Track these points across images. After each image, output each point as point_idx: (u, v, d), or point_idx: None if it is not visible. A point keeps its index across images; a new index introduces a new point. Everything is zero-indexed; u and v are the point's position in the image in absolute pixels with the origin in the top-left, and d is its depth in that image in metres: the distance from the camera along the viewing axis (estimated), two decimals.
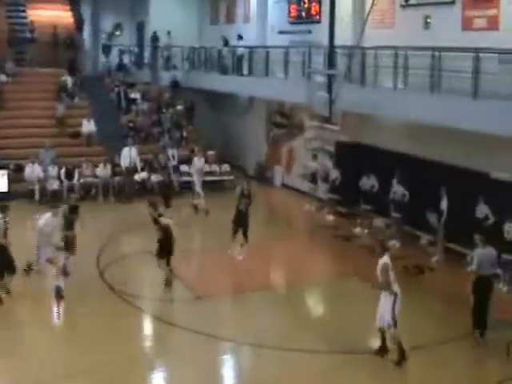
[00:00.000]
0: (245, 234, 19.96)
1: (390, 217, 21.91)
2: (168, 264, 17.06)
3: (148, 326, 15.70)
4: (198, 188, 25.49)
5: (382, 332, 13.60)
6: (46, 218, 16.27)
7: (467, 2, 20.40)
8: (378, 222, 23.28)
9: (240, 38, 30.99)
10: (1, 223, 15.67)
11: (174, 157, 28.78)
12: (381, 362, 13.45)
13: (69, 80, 31.65)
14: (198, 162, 26.21)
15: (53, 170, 26.53)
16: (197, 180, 25.70)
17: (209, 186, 27.18)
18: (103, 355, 13.33)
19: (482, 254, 14.70)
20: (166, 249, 17.01)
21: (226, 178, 29.52)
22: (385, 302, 13.39)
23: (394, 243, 21.05)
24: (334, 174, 24.10)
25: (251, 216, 19.94)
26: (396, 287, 13.35)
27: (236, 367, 13.86)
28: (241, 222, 19.95)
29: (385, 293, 13.39)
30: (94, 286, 16.97)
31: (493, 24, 19.43)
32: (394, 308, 13.28)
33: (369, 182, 22.46)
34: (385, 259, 13.48)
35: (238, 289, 17.34)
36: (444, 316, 16.16)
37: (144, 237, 19.54)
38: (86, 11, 37.65)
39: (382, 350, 13.69)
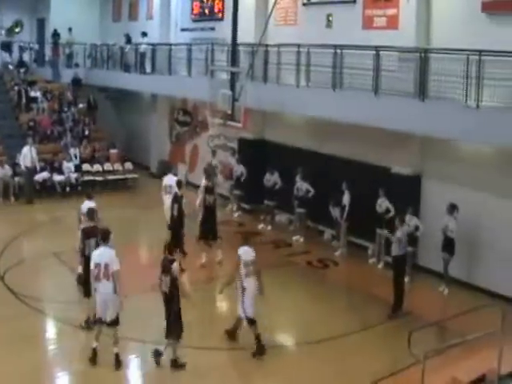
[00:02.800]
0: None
1: (293, 212, 22.10)
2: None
3: (51, 329, 15.29)
4: None
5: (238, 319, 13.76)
6: None
7: (368, 1, 20.69)
8: (282, 217, 23.46)
9: (144, 35, 30.69)
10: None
11: (76, 156, 28.28)
12: (276, 357, 13.49)
13: None
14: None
15: None
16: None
17: (112, 185, 27.09)
18: (4, 362, 12.96)
19: (403, 235, 15.75)
20: None
21: (129, 176, 29.26)
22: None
23: (298, 238, 21.30)
24: (239, 171, 24.09)
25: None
26: (248, 282, 13.39)
27: (140, 367, 13.65)
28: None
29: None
30: None
31: (392, 23, 19.77)
32: (243, 302, 13.42)
33: (272, 179, 22.53)
34: (239, 251, 13.60)
35: (137, 289, 16.95)
36: (348, 308, 16.39)
37: (45, 238, 19.08)
38: None
39: (231, 335, 14.01)
